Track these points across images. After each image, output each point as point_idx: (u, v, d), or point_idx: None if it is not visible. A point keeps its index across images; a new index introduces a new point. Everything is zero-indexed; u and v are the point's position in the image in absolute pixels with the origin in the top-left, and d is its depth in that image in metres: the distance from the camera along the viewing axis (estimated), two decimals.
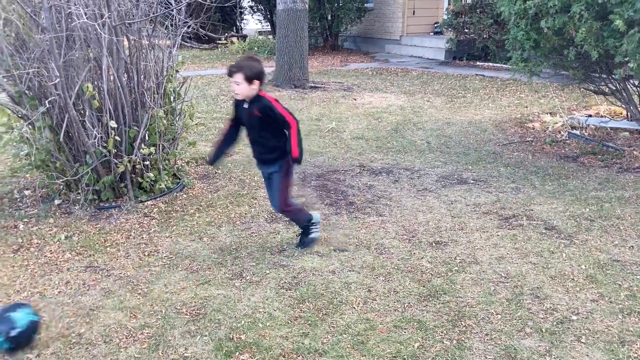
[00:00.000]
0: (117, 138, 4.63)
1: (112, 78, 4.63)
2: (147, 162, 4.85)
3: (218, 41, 16.66)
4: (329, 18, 15.73)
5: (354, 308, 3.21)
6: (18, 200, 5.09)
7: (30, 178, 5.37)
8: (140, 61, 4.89)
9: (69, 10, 4.14)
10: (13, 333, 2.82)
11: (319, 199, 4.97)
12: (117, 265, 3.84)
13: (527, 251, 3.91)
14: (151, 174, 4.90)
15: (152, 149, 4.82)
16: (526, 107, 8.69)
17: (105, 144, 4.59)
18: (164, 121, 4.98)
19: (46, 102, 4.40)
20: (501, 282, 3.49)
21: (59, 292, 3.50)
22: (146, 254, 4.00)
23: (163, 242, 4.17)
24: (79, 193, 4.78)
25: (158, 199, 4.94)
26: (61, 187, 4.92)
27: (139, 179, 4.91)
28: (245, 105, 3.66)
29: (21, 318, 2.88)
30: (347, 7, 15.34)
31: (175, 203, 4.89)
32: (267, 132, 3.66)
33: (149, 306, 3.28)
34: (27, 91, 4.58)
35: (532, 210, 4.64)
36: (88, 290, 3.51)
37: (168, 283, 3.54)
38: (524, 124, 7.65)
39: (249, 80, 3.54)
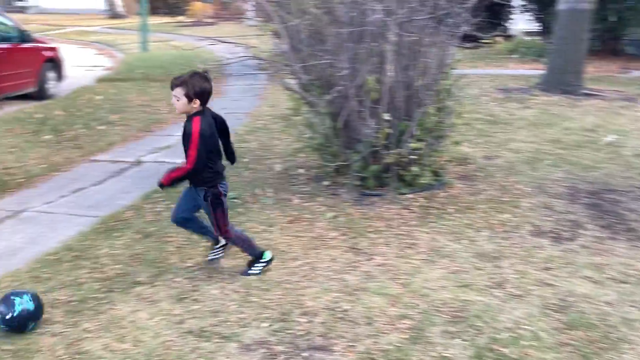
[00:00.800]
0: (390, 130, 4.81)
1: (392, 73, 4.80)
2: (413, 157, 4.95)
3: (482, 41, 16.29)
4: (612, 20, 14.15)
5: (636, 349, 2.83)
6: (293, 177, 5.64)
7: (305, 158, 5.90)
8: (419, 57, 4.99)
9: (365, 7, 4.40)
10: (8, 316, 3.04)
11: (591, 219, 4.51)
12: (378, 251, 4.00)
13: None
14: (415, 168, 4.99)
15: (420, 144, 4.89)
16: None
17: (377, 135, 4.80)
18: (434, 118, 5.02)
19: (332, 91, 4.78)
20: None
21: (327, 266, 3.78)
22: (405, 245, 4.09)
23: (422, 237, 4.22)
24: (347, 177, 5.10)
25: (418, 193, 5.00)
26: (331, 170, 5.30)
27: (403, 172, 5.04)
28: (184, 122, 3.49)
29: (20, 304, 3.05)
30: (638, 7, 13.60)
31: (434, 200, 4.91)
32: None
33: (408, 297, 3.34)
34: (316, 80, 5.02)
35: None
36: (352, 270, 3.72)
37: (427, 279, 3.57)
38: None
39: (189, 98, 3.33)
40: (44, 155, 6.49)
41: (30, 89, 9.59)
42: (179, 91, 3.33)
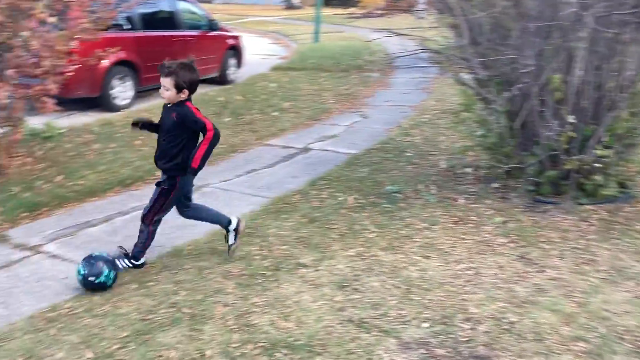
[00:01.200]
0: (573, 134, 4.42)
1: (581, 72, 4.40)
2: (598, 165, 4.50)
3: None
4: None
5: None
6: (459, 175, 5.45)
7: (474, 157, 5.67)
8: (614, 56, 4.51)
9: (558, 0, 4.07)
10: (79, 271, 3.44)
11: None
12: (551, 264, 3.71)
13: None
14: (598, 178, 4.54)
15: (608, 152, 4.44)
16: None
17: (558, 138, 4.45)
18: (627, 123, 4.52)
19: (512, 88, 4.50)
20: None
21: (493, 273, 3.59)
22: (582, 261, 3.75)
23: (602, 254, 3.83)
24: (519, 181, 4.80)
25: (600, 205, 4.56)
26: (502, 172, 5.02)
27: (584, 180, 4.62)
28: (168, 105, 3.54)
29: (93, 270, 3.41)
30: None
31: (619, 214, 4.43)
32: (174, 138, 3.50)
33: (585, 318, 3.05)
34: (495, 76, 4.77)
35: None
36: (520, 280, 3.50)
37: (608, 300, 3.23)
38: None
39: (179, 87, 3.40)
40: (223, 136, 6.98)
41: (214, 74, 10.41)
42: (169, 81, 3.41)
